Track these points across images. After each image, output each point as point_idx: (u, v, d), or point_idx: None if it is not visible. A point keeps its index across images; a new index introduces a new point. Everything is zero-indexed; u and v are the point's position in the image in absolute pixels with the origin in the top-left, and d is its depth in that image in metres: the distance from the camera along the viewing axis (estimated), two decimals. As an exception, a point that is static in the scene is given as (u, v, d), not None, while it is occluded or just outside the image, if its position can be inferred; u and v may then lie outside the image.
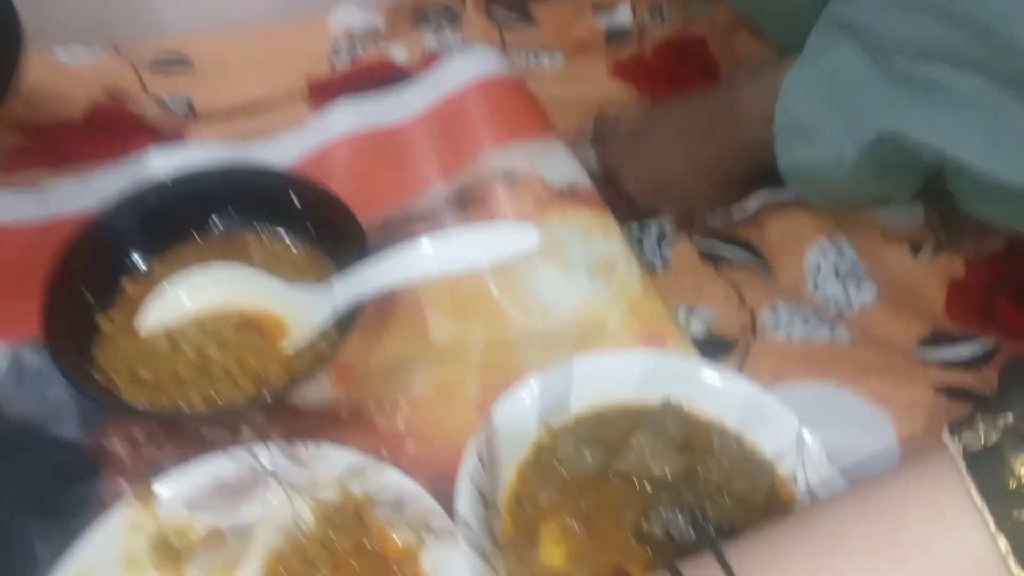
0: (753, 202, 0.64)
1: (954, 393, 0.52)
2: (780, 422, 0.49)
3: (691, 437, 0.50)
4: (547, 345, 0.55)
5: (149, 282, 0.57)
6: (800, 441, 0.49)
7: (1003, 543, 0.33)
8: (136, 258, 0.58)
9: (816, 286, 0.61)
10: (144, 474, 0.49)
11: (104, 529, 0.45)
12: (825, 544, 0.36)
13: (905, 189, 0.56)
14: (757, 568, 0.36)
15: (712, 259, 0.62)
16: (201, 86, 0.74)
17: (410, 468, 0.49)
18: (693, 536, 0.44)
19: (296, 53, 0.76)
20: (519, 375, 0.51)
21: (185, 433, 0.51)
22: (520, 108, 0.66)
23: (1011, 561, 0.32)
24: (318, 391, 0.54)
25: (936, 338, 0.57)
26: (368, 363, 0.55)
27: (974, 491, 0.34)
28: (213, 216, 0.60)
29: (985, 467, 0.34)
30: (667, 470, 0.47)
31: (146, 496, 0.46)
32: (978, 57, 0.45)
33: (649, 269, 0.61)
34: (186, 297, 0.55)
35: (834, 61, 0.55)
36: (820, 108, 0.55)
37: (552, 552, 0.46)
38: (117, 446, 0.52)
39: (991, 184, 0.46)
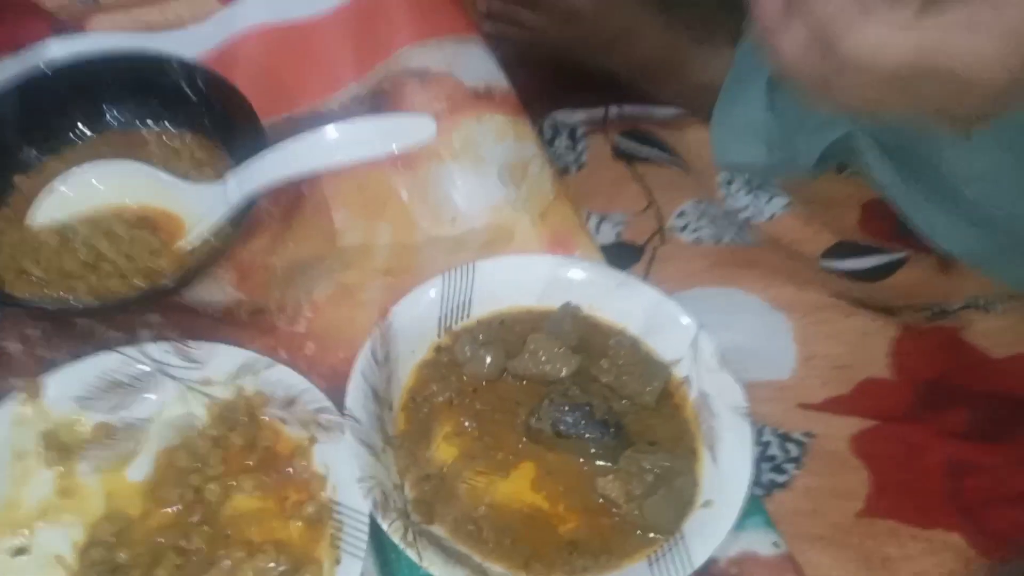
0: (671, 110, 0.63)
1: (853, 301, 0.53)
2: (679, 327, 0.50)
3: (588, 340, 0.50)
4: (454, 249, 0.55)
5: (42, 178, 0.55)
6: (696, 345, 0.49)
7: None
8: (29, 153, 0.56)
9: (728, 195, 0.60)
10: (33, 370, 0.48)
11: (-11, 424, 0.45)
12: None
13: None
14: None
15: (626, 157, 0.61)
16: (105, -28, 0.69)
17: (308, 368, 0.49)
18: (581, 432, 0.45)
19: (208, -61, 0.71)
20: (424, 279, 0.51)
21: (78, 332, 0.50)
22: (438, 5, 0.63)
23: None
24: (219, 292, 0.53)
25: (843, 248, 0.57)
26: (271, 265, 0.54)
27: None
28: (110, 110, 0.57)
29: None
30: (560, 370, 0.47)
31: (34, 390, 0.46)
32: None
33: (562, 169, 0.60)
34: (79, 193, 0.53)
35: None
36: (765, 111, 0.55)
37: (444, 449, 0.46)
38: (9, 344, 0.50)
39: None
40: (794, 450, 0.48)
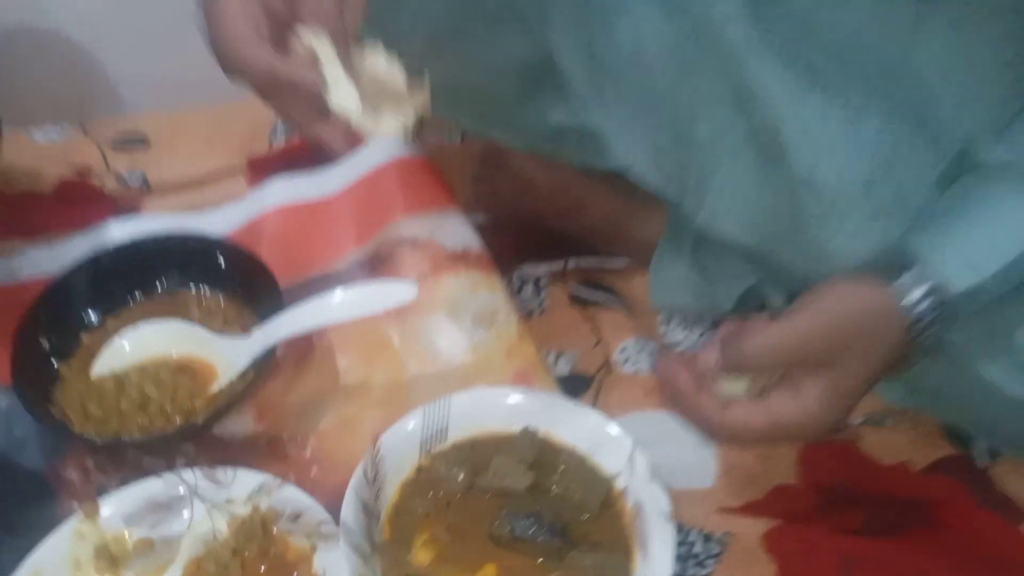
0: (619, 261, 0.76)
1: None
2: (619, 446, 0.60)
3: (543, 458, 0.60)
4: (436, 384, 0.66)
5: (103, 335, 0.68)
6: (633, 461, 0.59)
7: None
8: (92, 315, 0.69)
9: (667, 331, 0.72)
10: (92, 494, 0.59)
11: (55, 538, 0.55)
12: None
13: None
14: None
15: (581, 302, 0.74)
16: (156, 162, 0.86)
17: (313, 488, 0.59)
18: (533, 536, 0.55)
19: (239, 132, 0.88)
20: (411, 410, 0.62)
21: (127, 462, 0.61)
22: (425, 184, 0.78)
23: None
24: (242, 426, 0.64)
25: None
26: (285, 402, 0.66)
27: None
28: (159, 278, 0.71)
29: None
30: (519, 484, 0.58)
31: (92, 511, 0.57)
32: None
33: (527, 314, 0.72)
34: (132, 347, 0.66)
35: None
36: (691, 265, 0.67)
37: (422, 554, 0.56)
38: (72, 473, 0.62)
39: None
40: (715, 548, 0.57)
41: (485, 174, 0.83)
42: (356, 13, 0.50)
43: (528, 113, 0.71)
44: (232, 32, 0.48)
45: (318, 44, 0.47)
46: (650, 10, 0.54)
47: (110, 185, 0.83)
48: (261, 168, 0.84)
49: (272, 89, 0.50)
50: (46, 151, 0.87)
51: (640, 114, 0.58)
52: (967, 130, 0.49)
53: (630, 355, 0.69)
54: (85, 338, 0.68)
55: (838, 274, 0.47)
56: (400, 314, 0.69)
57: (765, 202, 0.54)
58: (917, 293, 0.45)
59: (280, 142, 0.87)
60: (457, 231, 0.75)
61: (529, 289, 0.76)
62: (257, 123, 0.89)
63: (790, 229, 0.53)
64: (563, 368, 0.69)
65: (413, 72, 0.50)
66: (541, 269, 0.78)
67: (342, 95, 0.45)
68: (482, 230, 0.77)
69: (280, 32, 0.50)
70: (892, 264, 0.46)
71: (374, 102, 0.46)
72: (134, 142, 0.89)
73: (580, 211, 0.77)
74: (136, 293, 0.71)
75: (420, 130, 0.63)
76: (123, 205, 0.82)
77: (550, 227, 0.79)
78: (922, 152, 0.49)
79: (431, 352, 0.68)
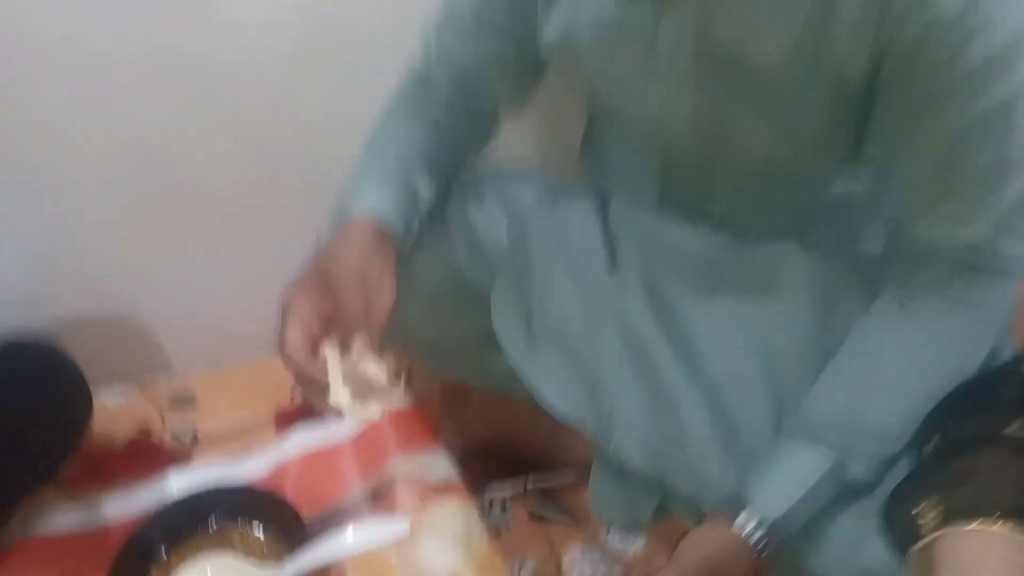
0: (569, 478, 0.97)
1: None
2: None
3: (509, 652, 0.79)
4: (426, 595, 0.86)
5: (168, 568, 0.87)
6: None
7: None
8: (160, 551, 0.89)
9: (608, 538, 0.93)
10: None
11: None
12: None
13: None
14: None
15: (538, 518, 0.94)
16: (203, 418, 1.09)
17: None
18: None
19: (268, 388, 1.11)
20: (407, 617, 0.81)
21: (189, 674, 0.80)
22: (416, 429, 1.01)
23: None
24: (277, 639, 0.83)
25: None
26: (310, 616, 0.85)
27: None
28: (211, 519, 0.92)
29: None
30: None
31: None
32: None
33: (496, 530, 0.93)
34: (191, 578, 0.86)
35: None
36: (617, 490, 0.89)
37: None
38: None
39: None
40: None
41: (457, 411, 1.06)
42: (382, 314, 0.73)
43: (489, 362, 0.95)
44: (290, 336, 0.72)
45: (331, 357, 0.72)
46: (571, 288, 0.78)
47: (167, 440, 1.06)
48: (286, 420, 1.07)
49: (301, 378, 0.73)
50: (114, 414, 1.10)
51: (563, 366, 0.79)
52: (799, 395, 0.72)
53: (576, 563, 0.89)
54: (154, 571, 0.88)
55: (705, 521, 0.68)
56: (397, 540, 0.90)
57: (658, 440, 0.76)
58: (751, 525, 0.66)
59: (299, 395, 1.11)
60: (439, 466, 0.97)
61: (497, 510, 0.96)
62: (281, 379, 1.12)
63: (678, 463, 0.75)
64: (525, 575, 0.89)
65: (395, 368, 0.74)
66: (506, 486, 0.99)
67: (339, 394, 0.70)
68: (457, 458, 0.99)
69: (326, 326, 0.73)
70: (736, 504, 0.67)
71: (363, 393, 0.70)
72: (184, 401, 1.12)
73: (532, 437, 1.00)
74: (194, 531, 0.91)
75: (409, 381, 0.86)
76: (178, 457, 1.03)
77: (511, 451, 1.01)
78: (766, 415, 0.72)
79: (422, 569, 0.88)
